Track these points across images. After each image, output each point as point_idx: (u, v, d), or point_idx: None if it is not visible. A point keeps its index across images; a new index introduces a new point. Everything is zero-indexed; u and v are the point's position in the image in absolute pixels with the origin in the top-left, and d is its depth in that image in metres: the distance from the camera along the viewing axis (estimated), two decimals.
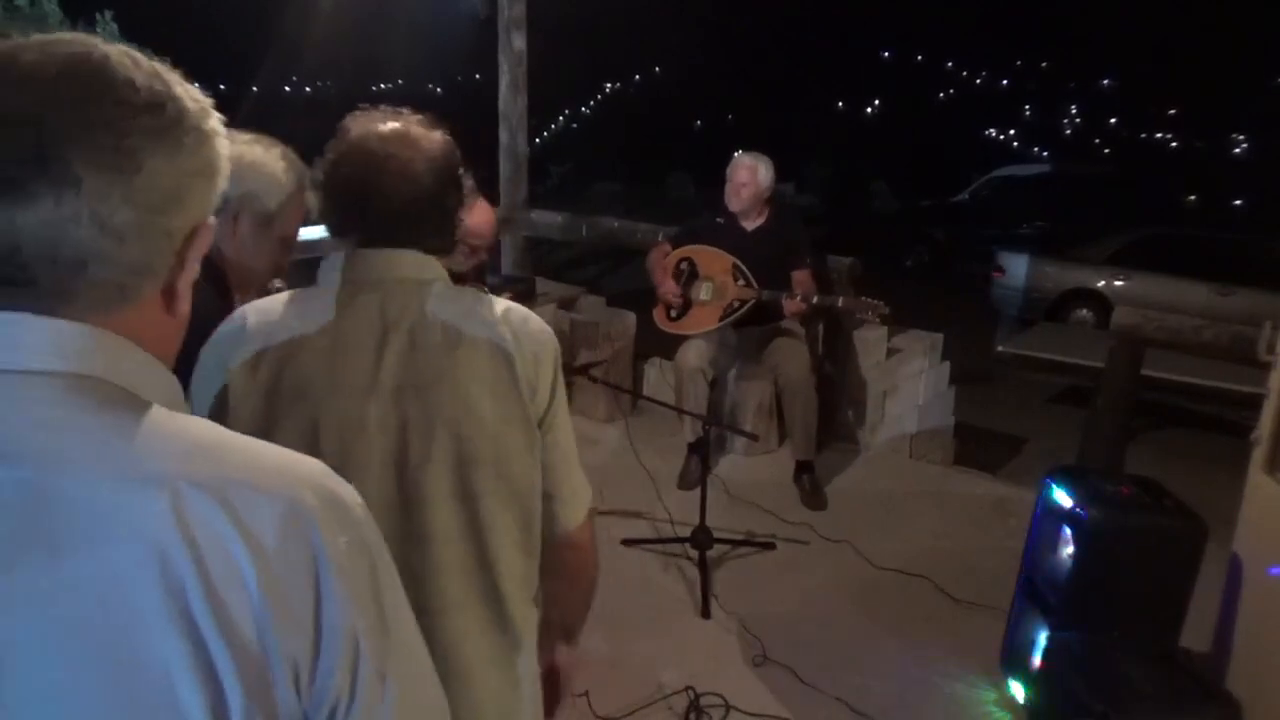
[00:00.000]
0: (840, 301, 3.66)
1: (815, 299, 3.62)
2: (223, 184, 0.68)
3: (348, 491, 0.65)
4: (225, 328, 1.13)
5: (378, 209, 1.13)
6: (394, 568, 0.67)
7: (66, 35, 0.62)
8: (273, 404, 1.07)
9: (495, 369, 1.13)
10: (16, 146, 0.56)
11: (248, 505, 0.57)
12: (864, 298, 3.58)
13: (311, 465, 0.64)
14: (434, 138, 1.18)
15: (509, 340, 1.14)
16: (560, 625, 1.35)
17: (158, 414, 0.60)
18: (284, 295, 1.15)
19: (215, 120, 0.67)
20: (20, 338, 0.58)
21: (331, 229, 1.17)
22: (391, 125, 1.16)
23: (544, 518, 1.22)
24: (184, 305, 0.67)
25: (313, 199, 1.23)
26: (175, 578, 0.54)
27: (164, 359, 0.66)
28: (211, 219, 0.68)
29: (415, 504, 1.10)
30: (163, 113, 0.61)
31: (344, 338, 1.09)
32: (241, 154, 1.47)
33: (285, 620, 0.56)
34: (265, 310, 1.13)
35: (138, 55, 0.63)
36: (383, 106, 1.19)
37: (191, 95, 0.65)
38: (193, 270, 0.67)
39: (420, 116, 1.19)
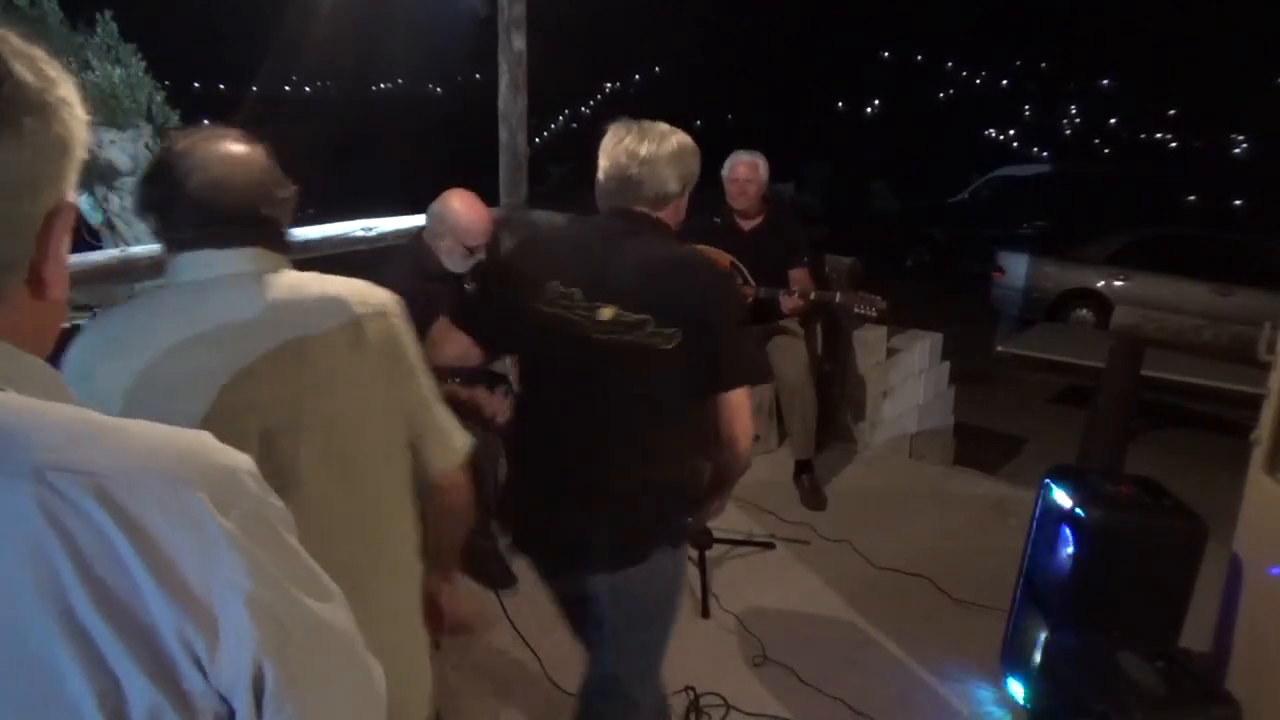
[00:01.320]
0: (838, 297, 3.66)
1: (813, 295, 3.62)
2: (81, 154, 0.63)
3: (240, 461, 0.61)
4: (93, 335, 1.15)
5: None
6: (294, 535, 0.63)
7: None
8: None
9: (348, 334, 1.23)
10: None
11: (125, 488, 0.54)
12: (862, 293, 3.59)
13: (194, 439, 0.60)
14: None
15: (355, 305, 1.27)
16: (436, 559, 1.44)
17: (29, 406, 0.57)
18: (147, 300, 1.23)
19: (64, 89, 0.61)
20: None
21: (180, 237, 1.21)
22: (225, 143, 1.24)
23: (417, 461, 1.32)
24: (56, 290, 0.63)
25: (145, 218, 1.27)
26: (51, 572, 0.52)
27: (44, 347, 0.64)
28: (71, 196, 0.63)
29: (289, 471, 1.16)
30: (30, 92, 0.58)
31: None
32: None
33: (180, 601, 0.54)
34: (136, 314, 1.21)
35: (30, 50, 0.61)
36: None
37: (33, 67, 0.59)
38: (61, 253, 0.63)
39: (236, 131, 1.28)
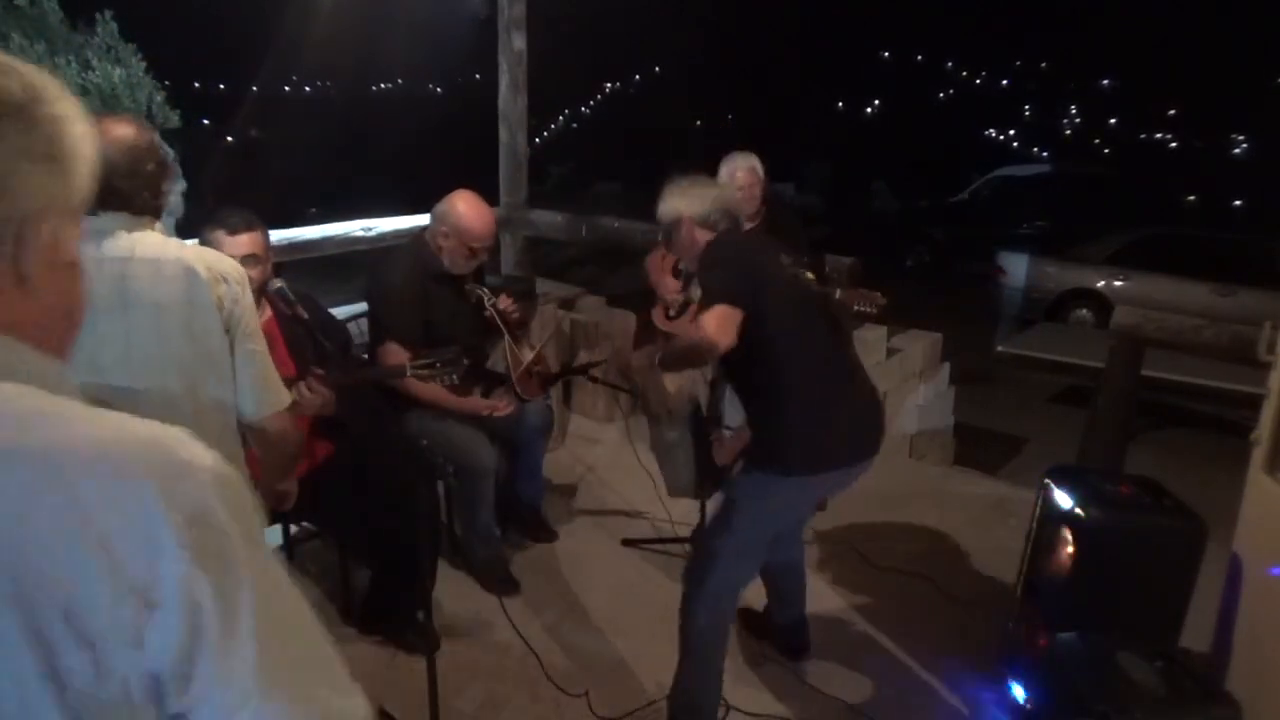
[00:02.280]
0: (838, 294, 3.65)
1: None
2: (82, 168, 0.67)
3: (200, 457, 0.63)
4: None
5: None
6: (257, 531, 0.65)
7: None
8: None
9: (172, 289, 1.57)
10: None
11: (79, 473, 0.58)
12: (861, 290, 3.58)
13: (158, 431, 0.63)
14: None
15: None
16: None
17: (18, 394, 0.61)
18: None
19: (55, 105, 0.65)
20: None
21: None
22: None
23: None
24: (46, 289, 0.66)
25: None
26: (5, 548, 0.56)
27: (54, 343, 0.68)
28: (70, 208, 0.67)
29: None
30: (14, 107, 0.62)
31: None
32: None
33: (116, 588, 0.56)
34: None
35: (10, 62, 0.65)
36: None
37: (21, 81, 0.63)
38: (52, 256, 0.66)
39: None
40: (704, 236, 2.34)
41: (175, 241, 1.62)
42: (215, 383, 1.59)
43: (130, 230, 1.53)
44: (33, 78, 0.64)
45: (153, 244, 1.55)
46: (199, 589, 0.58)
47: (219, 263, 1.61)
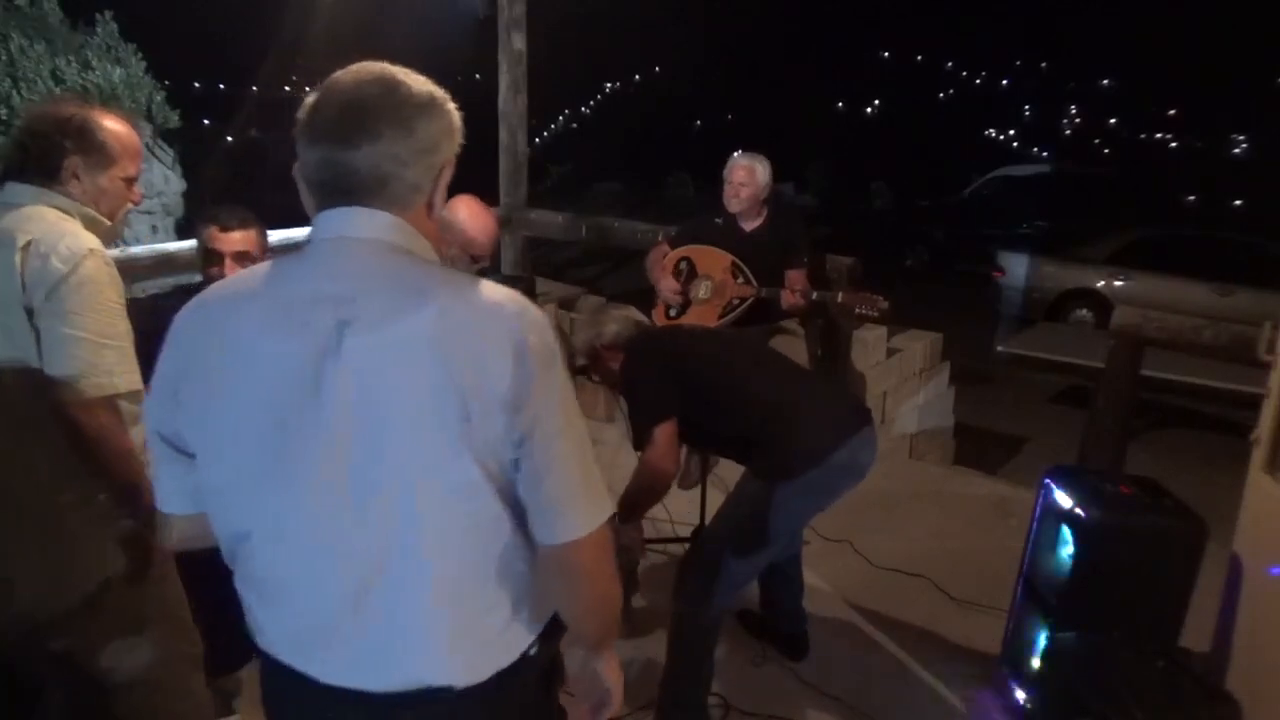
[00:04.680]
0: (840, 297, 3.66)
1: (814, 295, 3.62)
2: (458, 139, 1.10)
3: (536, 309, 1.06)
4: None
5: None
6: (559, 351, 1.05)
7: (376, 66, 1.07)
8: None
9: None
10: (353, 120, 1.01)
11: (485, 316, 1.01)
12: (863, 293, 3.58)
13: (512, 292, 1.06)
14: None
15: None
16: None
17: (425, 262, 1.06)
18: None
19: (450, 105, 1.09)
20: (356, 220, 1.03)
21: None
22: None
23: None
24: (437, 214, 1.10)
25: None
26: (443, 353, 0.97)
27: (430, 244, 1.09)
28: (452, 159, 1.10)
29: None
30: (423, 99, 1.05)
31: None
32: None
33: (501, 387, 0.98)
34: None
35: (408, 71, 1.07)
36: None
37: (434, 92, 1.07)
38: (443, 194, 1.10)
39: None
40: (617, 359, 2.45)
41: (44, 214, 1.60)
42: (3, 341, 1.57)
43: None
44: (430, 84, 1.07)
45: (20, 216, 1.61)
46: (542, 375, 1.01)
47: (54, 239, 1.56)
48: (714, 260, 3.77)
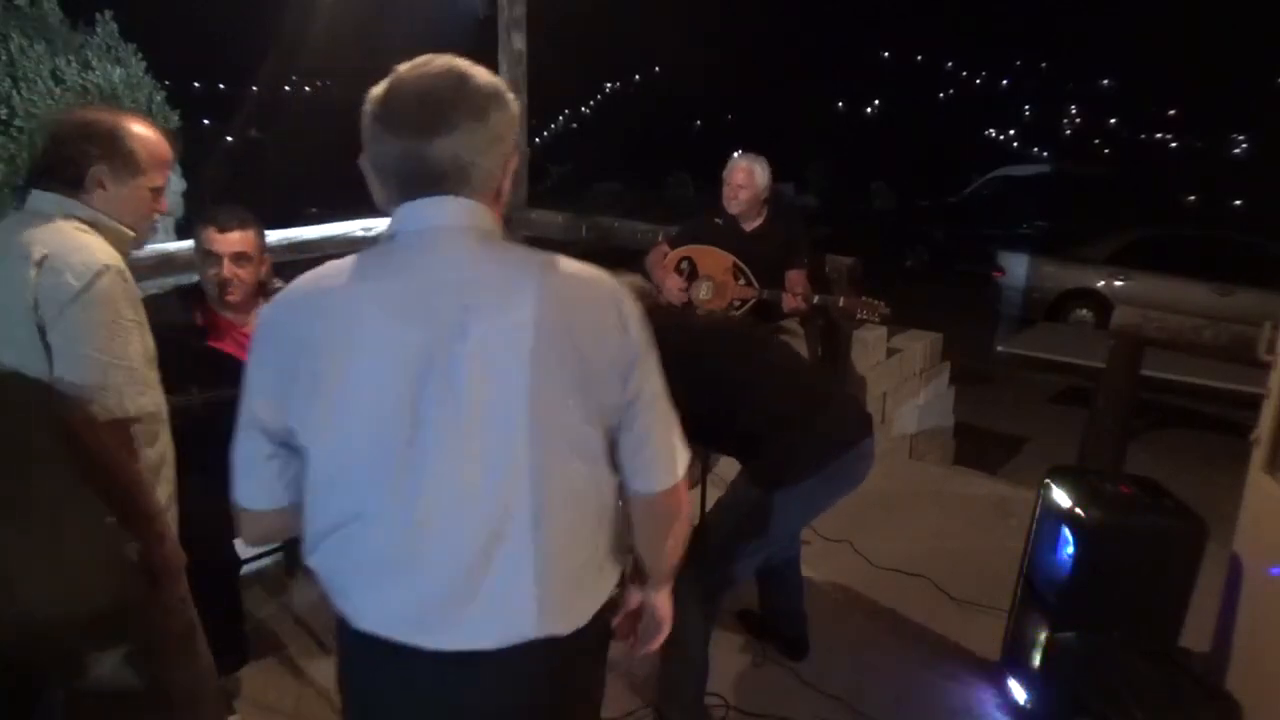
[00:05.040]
0: (841, 301, 3.66)
1: (816, 298, 3.61)
2: (517, 127, 1.14)
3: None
4: None
5: None
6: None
7: (442, 59, 1.11)
8: None
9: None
10: (432, 112, 1.06)
11: (591, 290, 1.13)
12: (865, 297, 3.57)
13: (607, 274, 1.17)
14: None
15: None
16: None
17: (515, 244, 1.15)
18: None
19: (511, 95, 1.13)
20: (450, 209, 1.10)
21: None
22: None
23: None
24: (505, 200, 1.17)
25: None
26: (564, 329, 1.07)
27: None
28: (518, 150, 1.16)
29: None
30: (491, 90, 1.10)
31: None
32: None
33: (615, 355, 1.12)
34: None
35: (471, 63, 1.12)
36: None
37: (498, 83, 1.12)
38: (510, 181, 1.16)
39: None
40: None
41: (61, 228, 1.56)
42: (13, 354, 1.53)
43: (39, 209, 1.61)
44: (492, 75, 1.12)
45: (32, 231, 1.57)
46: (643, 341, 1.15)
47: (68, 254, 1.51)
48: (715, 261, 3.77)
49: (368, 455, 1.05)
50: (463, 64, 1.11)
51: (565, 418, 1.09)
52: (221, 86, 32.23)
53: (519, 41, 4.55)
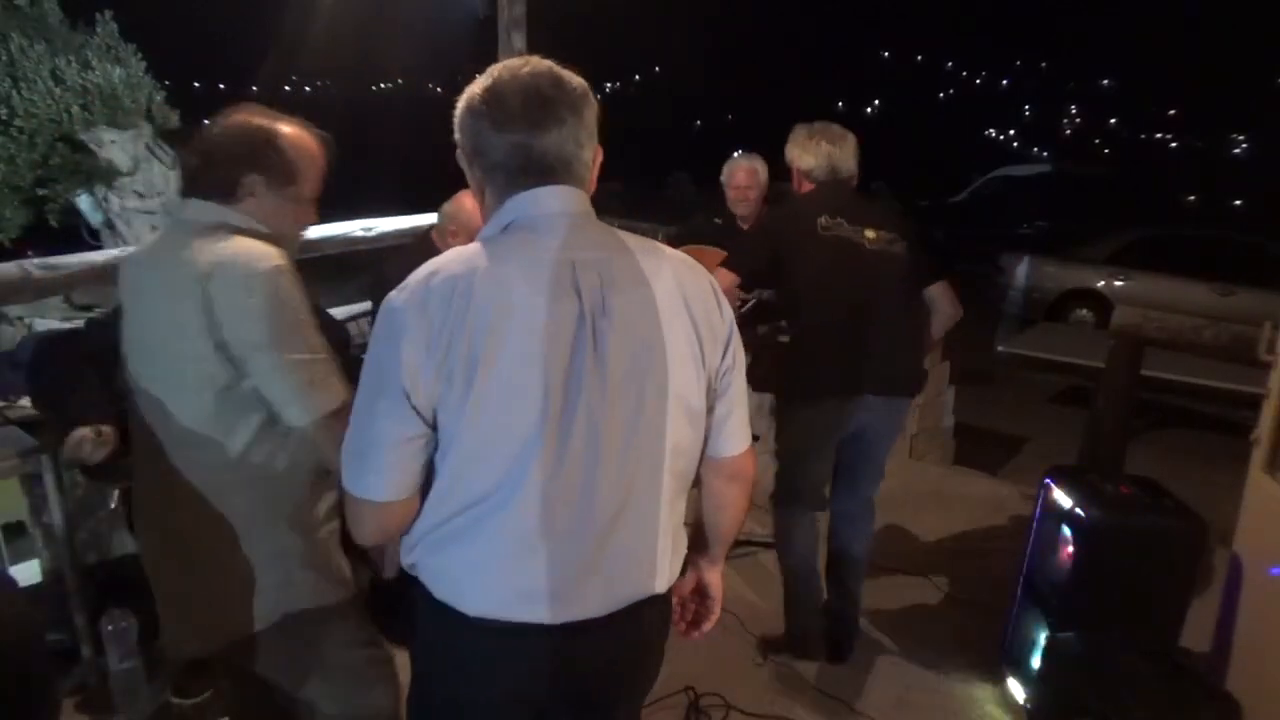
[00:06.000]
0: None
1: None
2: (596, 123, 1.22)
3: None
4: None
5: None
6: None
7: (539, 61, 1.18)
8: None
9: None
10: (540, 108, 1.14)
11: (686, 265, 1.22)
12: None
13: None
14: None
15: None
16: None
17: (622, 229, 1.24)
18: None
19: (585, 88, 1.19)
20: (565, 196, 1.18)
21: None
22: None
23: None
24: (591, 190, 1.23)
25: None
26: (686, 303, 1.18)
27: None
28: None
29: None
30: (583, 90, 1.18)
31: None
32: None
33: (720, 326, 1.23)
34: None
35: (566, 69, 1.19)
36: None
37: (585, 85, 1.18)
38: (597, 173, 1.24)
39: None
40: (808, 187, 2.67)
41: (212, 238, 1.47)
42: (190, 369, 1.45)
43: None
44: (582, 80, 1.18)
45: (185, 243, 1.50)
46: (732, 321, 1.26)
47: (242, 263, 1.43)
48: (717, 261, 3.76)
49: (519, 431, 1.08)
50: (555, 66, 1.18)
51: (687, 384, 1.18)
52: (221, 86, 32.23)
53: (519, 41, 4.54)
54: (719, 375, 1.24)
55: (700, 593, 1.47)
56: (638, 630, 1.23)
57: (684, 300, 1.18)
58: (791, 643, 2.78)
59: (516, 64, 1.17)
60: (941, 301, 2.67)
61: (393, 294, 1.14)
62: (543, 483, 1.09)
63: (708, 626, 1.48)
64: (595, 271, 1.13)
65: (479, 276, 1.09)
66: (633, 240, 1.21)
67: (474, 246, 1.15)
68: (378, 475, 1.11)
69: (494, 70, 1.18)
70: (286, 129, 1.56)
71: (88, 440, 2.01)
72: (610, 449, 1.12)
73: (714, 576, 1.47)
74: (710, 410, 1.25)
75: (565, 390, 1.09)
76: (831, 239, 2.51)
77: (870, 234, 2.53)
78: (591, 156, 1.21)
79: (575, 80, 1.18)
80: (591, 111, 1.19)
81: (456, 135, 1.21)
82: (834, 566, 2.79)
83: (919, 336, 2.68)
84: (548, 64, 1.18)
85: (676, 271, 1.19)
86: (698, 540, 1.41)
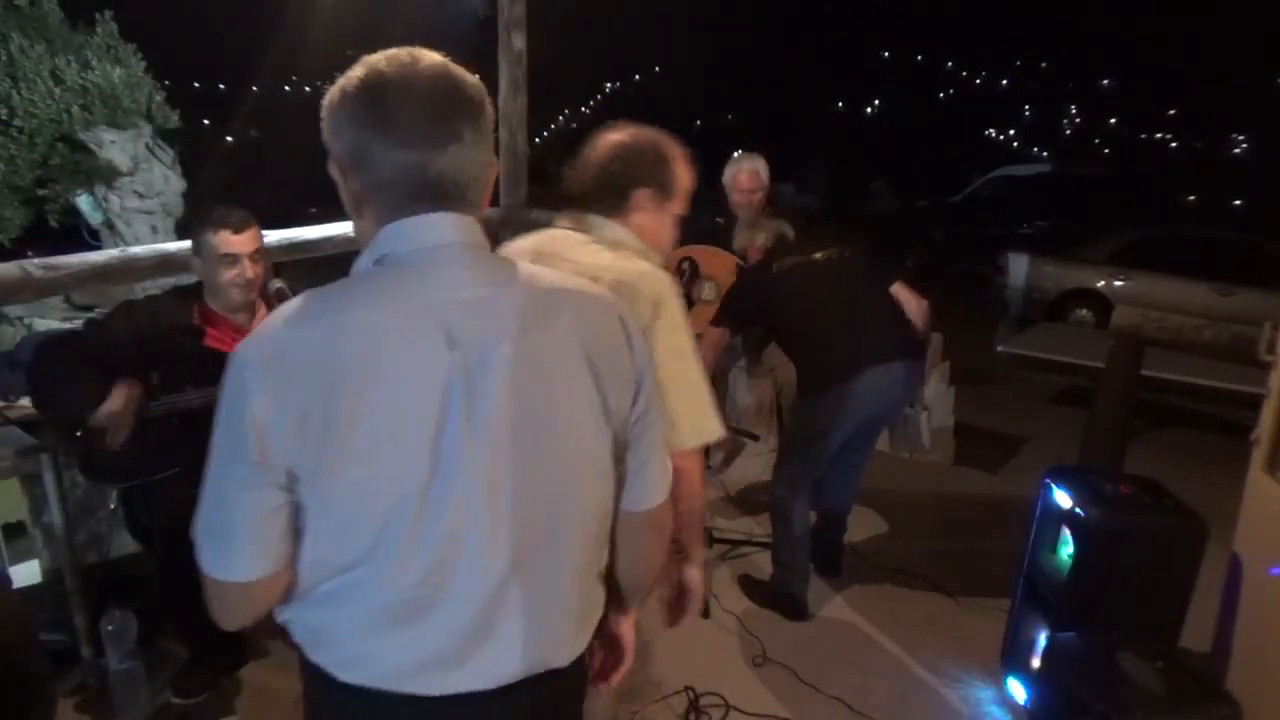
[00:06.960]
0: None
1: None
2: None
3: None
4: None
5: None
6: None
7: (428, 56, 1.00)
8: None
9: None
10: (437, 120, 0.96)
11: (603, 309, 1.08)
12: None
13: (601, 287, 1.15)
14: None
15: None
16: None
17: (517, 263, 1.07)
18: None
19: (488, 97, 1.03)
20: (456, 226, 1.00)
21: None
22: None
23: None
24: (485, 209, 1.06)
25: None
26: (585, 351, 1.03)
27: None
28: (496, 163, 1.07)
29: None
30: (480, 92, 1.01)
31: None
32: None
33: (628, 372, 1.08)
34: None
35: (457, 65, 1.01)
36: None
37: (482, 87, 1.02)
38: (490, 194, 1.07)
39: None
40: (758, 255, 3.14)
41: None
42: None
43: None
44: (474, 77, 1.01)
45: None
46: (646, 352, 1.11)
47: (638, 282, 1.44)
48: (718, 261, 3.76)
49: (388, 492, 0.94)
50: (448, 62, 1.01)
51: (586, 438, 1.04)
52: (221, 86, 32.22)
53: (519, 41, 4.54)
54: (629, 425, 1.09)
55: (611, 643, 1.38)
56: (537, 706, 1.09)
57: (581, 346, 1.02)
58: (784, 604, 3.03)
59: (403, 58, 0.98)
60: (904, 296, 3.01)
61: (241, 345, 0.95)
62: (418, 549, 0.95)
63: (617, 678, 1.41)
64: (479, 318, 0.97)
65: (343, 323, 0.93)
66: (533, 277, 1.04)
67: (339, 286, 0.99)
68: (244, 551, 0.95)
69: (375, 64, 0.98)
70: (671, 145, 1.64)
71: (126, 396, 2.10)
72: (497, 512, 0.98)
73: (625, 628, 1.38)
74: (620, 461, 1.10)
75: (438, 451, 0.94)
76: (787, 269, 2.95)
77: (819, 255, 2.97)
78: (490, 175, 1.05)
79: (473, 82, 1.01)
80: (489, 120, 1.02)
81: (326, 138, 1.01)
82: (822, 516, 3.24)
83: (900, 315, 2.99)
84: (441, 61, 1.00)
85: (577, 313, 1.04)
86: (610, 592, 1.24)
